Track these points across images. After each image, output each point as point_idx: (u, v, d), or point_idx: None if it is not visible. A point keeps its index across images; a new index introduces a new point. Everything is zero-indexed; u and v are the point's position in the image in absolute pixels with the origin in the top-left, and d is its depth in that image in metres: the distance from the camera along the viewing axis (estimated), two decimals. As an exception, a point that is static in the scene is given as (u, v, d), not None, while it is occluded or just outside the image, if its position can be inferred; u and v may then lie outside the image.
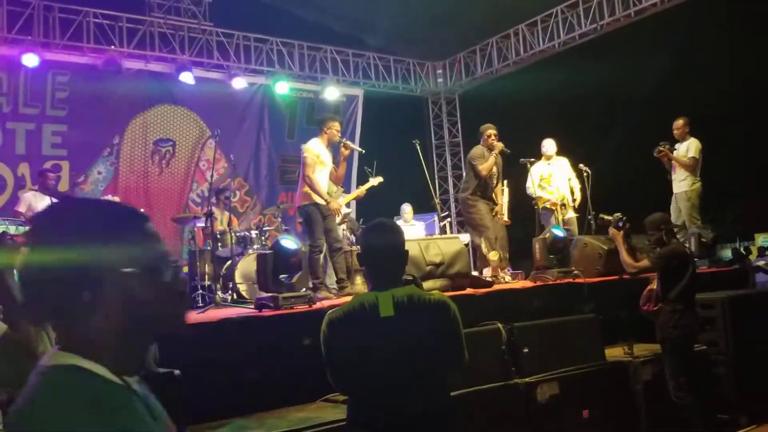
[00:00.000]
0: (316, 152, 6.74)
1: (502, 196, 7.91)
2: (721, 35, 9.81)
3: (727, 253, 9.67)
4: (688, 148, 8.61)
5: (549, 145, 8.81)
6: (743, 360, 6.11)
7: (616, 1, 10.76)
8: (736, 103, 9.62)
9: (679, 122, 8.75)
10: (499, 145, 7.62)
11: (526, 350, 5.00)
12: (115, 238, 1.18)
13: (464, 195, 7.79)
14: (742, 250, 10.47)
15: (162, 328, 1.25)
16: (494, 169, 7.67)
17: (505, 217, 7.92)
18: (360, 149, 7.26)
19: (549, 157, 8.79)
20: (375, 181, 7.92)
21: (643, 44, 10.72)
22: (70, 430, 1.03)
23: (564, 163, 8.80)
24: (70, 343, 1.14)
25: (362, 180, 8.80)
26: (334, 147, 7.06)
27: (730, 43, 9.59)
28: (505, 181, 8.04)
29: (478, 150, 7.73)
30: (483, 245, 7.48)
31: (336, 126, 7.01)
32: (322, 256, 6.79)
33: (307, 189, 6.72)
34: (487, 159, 7.58)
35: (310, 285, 6.64)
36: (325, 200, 6.66)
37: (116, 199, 7.93)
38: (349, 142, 7.18)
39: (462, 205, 8.03)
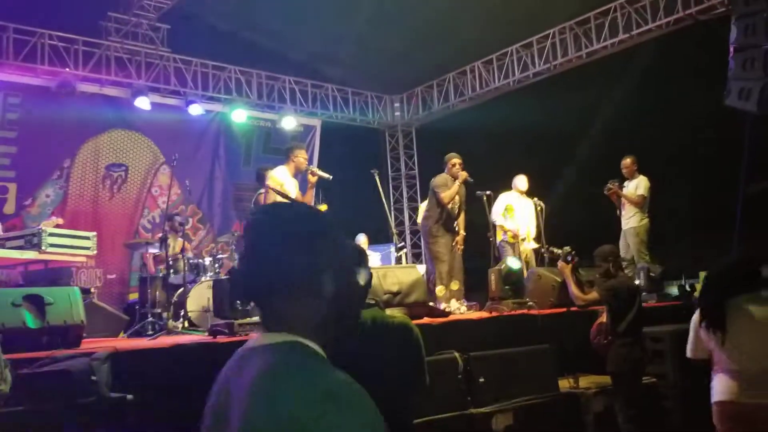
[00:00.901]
0: (280, 181, 6.72)
1: (462, 227, 7.96)
2: (671, 77, 10.15)
3: (673, 290, 9.89)
4: (637, 186, 8.86)
5: (521, 181, 9.01)
6: (691, 393, 6.22)
7: (569, 43, 11.09)
8: (684, 143, 9.94)
9: (627, 161, 9.02)
10: (464, 174, 7.68)
11: (482, 380, 5.03)
12: (330, 237, 1.40)
13: (427, 224, 7.79)
14: (687, 287, 10.69)
15: (350, 321, 1.45)
16: (456, 199, 7.73)
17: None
18: (328, 175, 7.18)
19: (521, 192, 8.94)
20: (320, 208, 7.88)
21: (595, 84, 11.03)
22: (323, 389, 1.21)
23: (529, 204, 8.94)
24: (281, 326, 1.33)
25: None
26: (301, 175, 7.04)
27: (680, 85, 9.93)
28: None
29: (441, 178, 7.77)
30: (435, 277, 7.53)
31: (303, 154, 7.00)
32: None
33: None
34: (451, 187, 7.64)
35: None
36: None
37: (59, 221, 7.72)
38: (316, 169, 7.12)
39: (423, 233, 8.04)
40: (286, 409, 1.18)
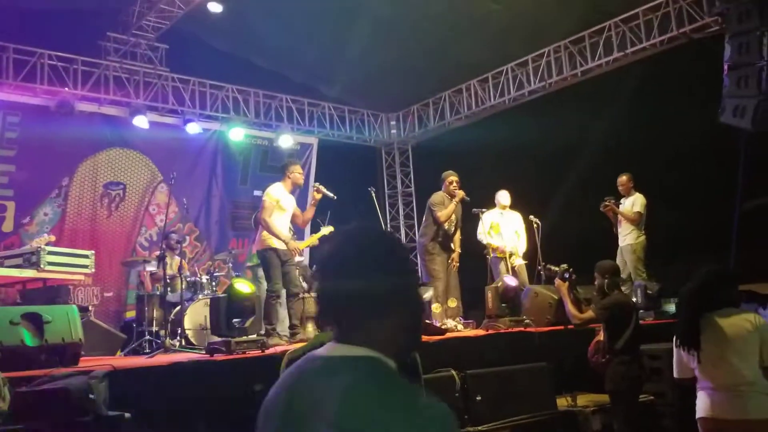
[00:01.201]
0: (276, 197, 6.74)
1: (458, 245, 7.97)
2: (666, 94, 10.21)
3: (670, 307, 9.90)
4: (634, 203, 8.90)
5: (503, 196, 8.99)
6: (689, 411, 6.21)
7: (564, 61, 11.17)
8: (680, 160, 9.98)
9: (623, 178, 9.06)
10: (460, 193, 7.70)
11: (479, 398, 5.03)
12: (407, 261, 1.52)
13: (423, 241, 7.81)
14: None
15: (418, 334, 1.55)
16: (453, 217, 7.75)
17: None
18: (333, 195, 7.19)
19: (503, 207, 8.94)
20: (326, 230, 7.88)
21: (591, 102, 11.08)
22: (398, 401, 1.30)
23: (516, 216, 8.96)
24: (358, 339, 1.43)
25: (314, 228, 8.79)
26: (299, 191, 7.08)
27: (675, 102, 9.99)
28: None
29: (438, 196, 7.79)
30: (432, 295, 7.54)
31: (298, 169, 7.04)
32: (279, 301, 6.75)
33: (265, 234, 6.70)
34: (447, 206, 7.66)
35: (263, 330, 6.57)
36: (285, 241, 6.67)
37: (51, 239, 7.70)
38: (322, 188, 7.14)
39: (419, 251, 8.07)
40: (391, 427, 1.26)
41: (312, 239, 8.23)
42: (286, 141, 12.17)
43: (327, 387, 1.34)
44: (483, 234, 8.56)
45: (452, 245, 7.84)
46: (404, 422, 1.26)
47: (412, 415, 1.28)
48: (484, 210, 8.45)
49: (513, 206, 9.10)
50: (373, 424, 1.25)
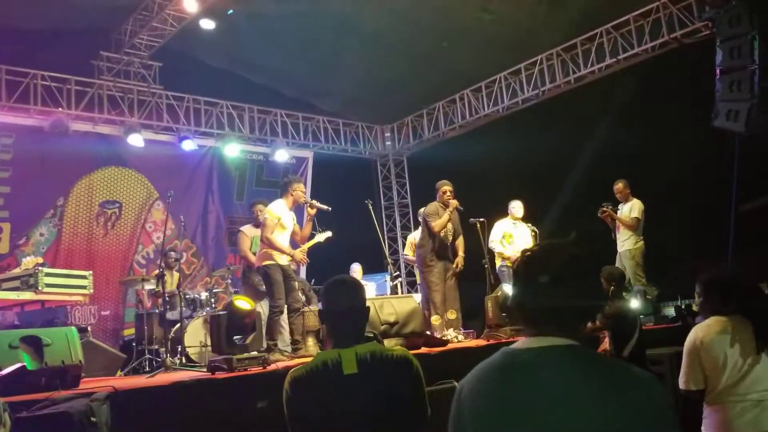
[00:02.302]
0: (277, 215, 6.72)
1: (462, 249, 7.91)
2: (659, 100, 10.25)
3: (670, 311, 9.90)
4: (632, 209, 8.89)
5: (517, 208, 9.00)
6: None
7: (556, 69, 11.21)
8: (677, 164, 10.01)
9: (619, 185, 9.04)
10: (454, 203, 7.69)
11: (482, 409, 4.99)
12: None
13: (422, 252, 7.79)
14: (683, 307, 10.75)
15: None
16: (449, 226, 7.73)
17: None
18: (327, 207, 7.17)
19: (516, 218, 8.95)
20: (321, 236, 7.78)
21: (585, 109, 11.11)
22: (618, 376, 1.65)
23: (526, 229, 8.95)
24: (558, 332, 1.68)
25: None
26: (299, 208, 7.06)
27: (669, 108, 10.02)
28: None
29: (432, 207, 7.78)
30: (430, 306, 7.52)
31: (301, 188, 7.02)
32: (281, 317, 6.73)
33: (266, 250, 6.69)
34: (441, 216, 7.65)
35: (264, 346, 6.54)
36: (289, 254, 6.66)
37: (39, 260, 7.61)
38: (315, 202, 7.11)
39: (418, 262, 8.05)
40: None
41: (305, 246, 8.19)
42: (281, 155, 12.18)
43: (552, 377, 1.58)
44: (496, 242, 8.54)
45: (451, 254, 7.81)
46: (627, 394, 1.53)
47: (633, 388, 1.56)
48: (482, 220, 8.42)
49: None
50: (602, 400, 1.51)
